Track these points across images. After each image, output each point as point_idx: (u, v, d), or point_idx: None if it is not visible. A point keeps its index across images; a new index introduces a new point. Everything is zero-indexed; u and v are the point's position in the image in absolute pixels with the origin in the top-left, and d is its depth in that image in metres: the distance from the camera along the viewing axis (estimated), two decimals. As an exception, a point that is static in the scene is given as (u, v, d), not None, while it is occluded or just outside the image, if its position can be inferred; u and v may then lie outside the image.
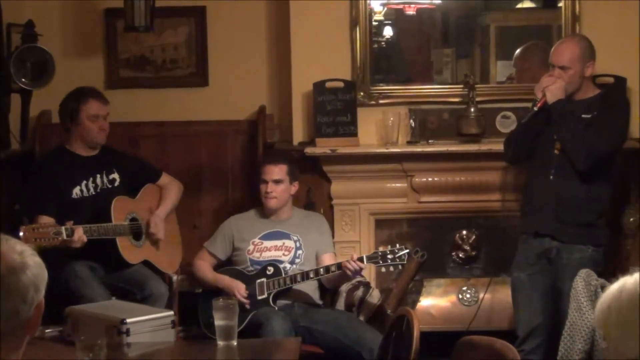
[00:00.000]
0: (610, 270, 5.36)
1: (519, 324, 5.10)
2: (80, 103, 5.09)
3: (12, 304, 1.91)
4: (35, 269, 1.94)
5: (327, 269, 4.99)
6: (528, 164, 5.20)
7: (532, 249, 5.04)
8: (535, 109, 4.90)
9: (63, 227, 4.56)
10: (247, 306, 4.95)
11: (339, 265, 4.94)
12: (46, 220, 4.83)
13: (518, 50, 6.08)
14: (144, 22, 5.70)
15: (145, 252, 5.16)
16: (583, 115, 4.90)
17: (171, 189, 5.38)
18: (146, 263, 5.16)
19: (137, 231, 5.14)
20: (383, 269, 5.37)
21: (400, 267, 5.15)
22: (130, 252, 5.05)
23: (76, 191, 5.05)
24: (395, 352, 3.56)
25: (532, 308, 5.06)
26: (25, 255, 1.94)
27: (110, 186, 5.16)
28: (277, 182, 5.22)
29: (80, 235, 4.63)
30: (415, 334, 3.34)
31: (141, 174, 5.33)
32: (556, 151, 4.91)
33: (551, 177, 4.91)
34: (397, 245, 5.02)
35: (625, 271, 5.63)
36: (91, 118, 5.08)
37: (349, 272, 4.90)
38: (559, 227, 4.95)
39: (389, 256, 4.96)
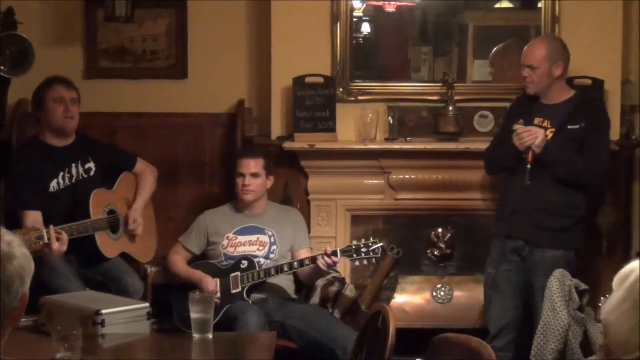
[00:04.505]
0: (585, 273, 5.42)
1: (491, 320, 5.14)
2: (45, 89, 5.09)
3: None
4: (21, 259, 1.94)
5: (301, 262, 5.00)
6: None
7: (506, 246, 5.08)
8: (528, 166, 4.90)
9: (45, 231, 4.51)
10: (218, 301, 4.94)
11: (313, 259, 4.95)
12: (33, 216, 4.81)
13: (496, 48, 6.12)
14: (125, 12, 5.69)
15: (121, 244, 5.15)
16: (569, 127, 4.97)
17: (147, 176, 5.35)
18: (122, 254, 5.15)
19: (115, 224, 5.13)
20: (357, 263, 5.38)
21: (374, 260, 5.17)
22: (108, 246, 5.04)
23: (53, 184, 5.01)
24: (370, 348, 3.57)
25: (504, 305, 5.10)
26: (13, 245, 1.94)
27: (86, 176, 5.12)
28: (254, 175, 5.22)
29: (60, 241, 4.58)
30: (391, 330, 3.34)
31: (116, 161, 5.31)
32: (528, 165, 4.93)
33: (527, 182, 4.93)
34: (371, 239, 5.03)
35: (598, 272, 5.61)
36: (55, 100, 5.04)
37: (322, 267, 4.91)
38: (533, 231, 5.01)
39: (363, 250, 4.96)
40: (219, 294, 5.00)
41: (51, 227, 4.57)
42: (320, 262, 4.90)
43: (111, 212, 5.11)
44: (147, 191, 5.34)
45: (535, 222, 5.00)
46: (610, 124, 5.22)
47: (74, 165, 5.10)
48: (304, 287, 5.31)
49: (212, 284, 5.03)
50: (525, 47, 5.16)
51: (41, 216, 4.84)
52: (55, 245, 4.57)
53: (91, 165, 5.16)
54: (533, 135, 4.91)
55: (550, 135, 4.97)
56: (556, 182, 4.97)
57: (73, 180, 5.08)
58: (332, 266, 4.96)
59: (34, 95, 5.13)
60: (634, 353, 2.02)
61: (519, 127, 4.94)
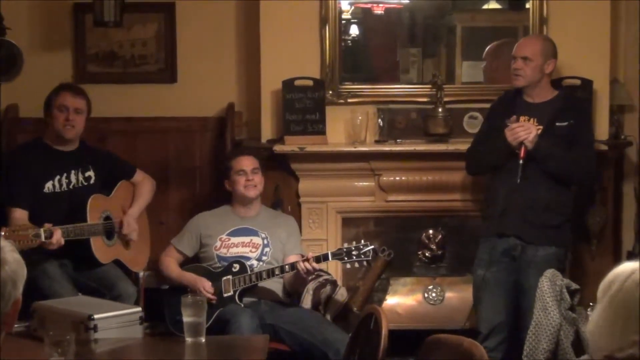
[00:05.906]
0: (575, 273, 5.45)
1: (482, 321, 5.14)
2: (53, 95, 5.13)
3: None
4: (13, 265, 1.94)
5: (292, 266, 4.99)
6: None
7: (496, 247, 5.08)
8: (521, 162, 4.91)
9: (42, 229, 4.53)
10: (214, 302, 4.94)
11: (293, 266, 4.95)
12: (19, 214, 4.82)
13: (491, 45, 6.13)
14: (113, 17, 5.69)
15: (116, 251, 5.15)
16: (557, 124, 4.99)
17: (144, 186, 5.37)
18: (114, 261, 5.14)
19: (110, 230, 5.13)
20: (349, 266, 5.39)
21: (365, 263, 5.16)
22: (103, 251, 5.04)
23: (48, 185, 5.02)
24: (363, 350, 3.57)
25: (495, 305, 5.10)
26: (5, 251, 1.94)
27: (85, 184, 5.14)
28: (254, 171, 5.23)
29: (58, 238, 4.61)
30: (384, 332, 3.35)
31: (116, 171, 5.32)
32: (521, 161, 4.94)
33: (518, 181, 4.94)
34: (362, 242, 5.02)
35: (589, 272, 5.62)
36: (60, 107, 5.07)
37: (301, 272, 4.91)
38: (525, 229, 5.01)
39: (354, 252, 4.95)
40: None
41: (58, 230, 4.61)
42: (300, 266, 4.90)
43: (107, 218, 5.12)
44: (144, 200, 5.36)
45: (527, 219, 5.01)
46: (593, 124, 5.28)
47: (73, 171, 5.11)
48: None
49: (208, 285, 5.02)
50: (520, 40, 5.22)
51: (27, 216, 4.85)
52: (52, 246, 4.60)
53: (91, 173, 5.18)
54: (527, 130, 4.93)
55: (538, 132, 4.98)
56: (546, 179, 4.99)
57: (71, 187, 5.09)
58: (310, 272, 4.95)
59: (45, 99, 5.16)
60: (628, 350, 2.02)
61: (512, 123, 4.96)
